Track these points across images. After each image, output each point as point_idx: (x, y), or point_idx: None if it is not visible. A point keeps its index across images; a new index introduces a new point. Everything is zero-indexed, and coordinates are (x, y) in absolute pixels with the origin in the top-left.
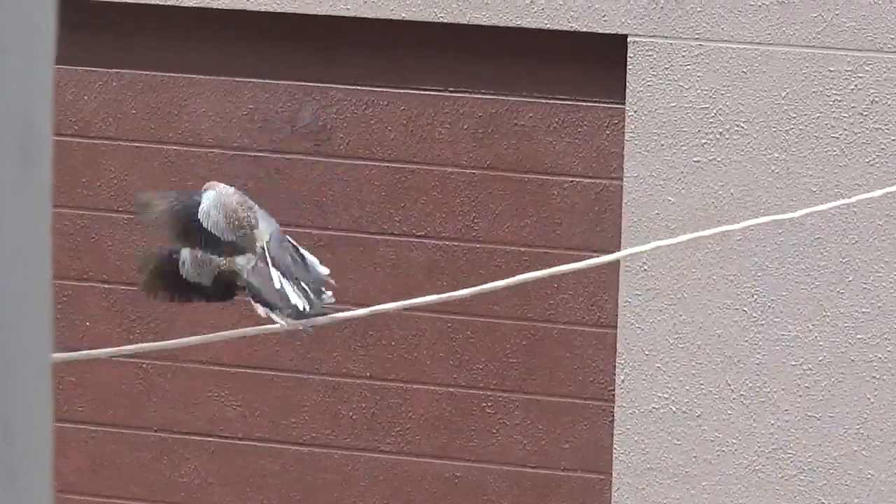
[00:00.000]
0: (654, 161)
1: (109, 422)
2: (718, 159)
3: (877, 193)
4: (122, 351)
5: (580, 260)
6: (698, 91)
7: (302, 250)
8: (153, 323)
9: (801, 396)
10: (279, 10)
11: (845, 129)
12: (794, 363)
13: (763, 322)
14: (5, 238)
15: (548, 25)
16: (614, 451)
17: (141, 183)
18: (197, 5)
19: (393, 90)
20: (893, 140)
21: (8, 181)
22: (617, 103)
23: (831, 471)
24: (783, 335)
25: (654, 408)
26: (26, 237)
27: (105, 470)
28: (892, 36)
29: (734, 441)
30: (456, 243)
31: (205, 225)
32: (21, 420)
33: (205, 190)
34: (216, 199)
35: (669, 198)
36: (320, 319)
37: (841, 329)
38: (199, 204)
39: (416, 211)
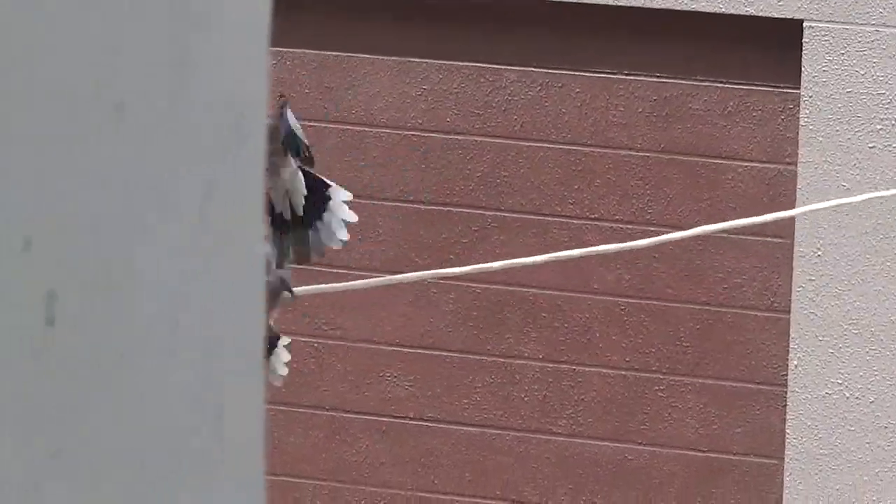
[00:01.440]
0: (829, 146)
1: (282, 401)
2: (894, 145)
3: None
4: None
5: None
6: (874, 77)
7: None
8: (322, 298)
9: None
10: None
11: None
12: None
13: None
14: (217, 219)
15: (724, 9)
16: (787, 435)
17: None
18: None
19: (568, 72)
20: None
21: (221, 164)
22: (792, 88)
23: None
24: None
25: (827, 393)
26: (238, 218)
27: (277, 449)
28: None
29: None
30: (630, 226)
31: None
32: (233, 400)
33: None
34: None
35: (844, 183)
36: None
37: None
38: None
39: (589, 194)
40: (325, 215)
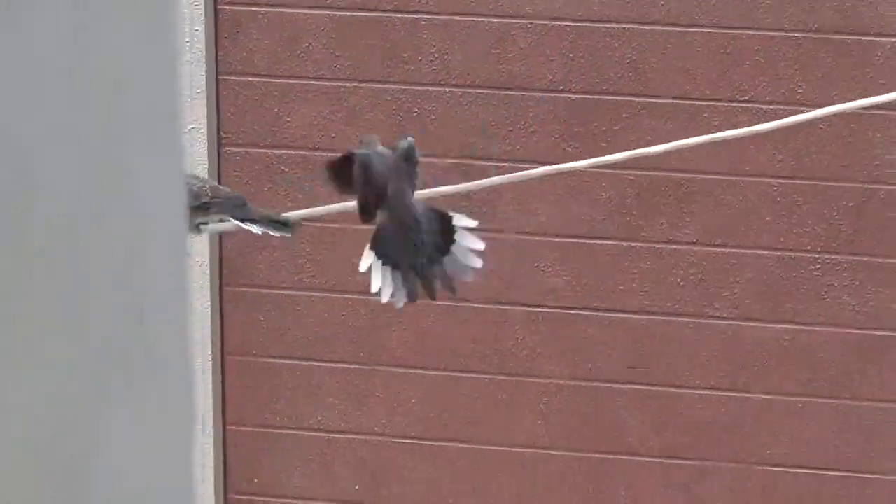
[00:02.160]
0: None
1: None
2: None
3: None
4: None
5: None
6: None
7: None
8: (476, 195)
9: None
10: None
11: None
12: None
13: None
14: (132, 117)
15: None
16: None
17: (462, 57)
18: None
19: None
20: None
21: (131, 52)
22: None
23: None
24: None
25: None
26: (154, 104)
27: (433, 344)
28: None
29: None
30: (781, 107)
31: None
32: (155, 302)
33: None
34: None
35: None
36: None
37: None
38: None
39: (739, 76)
40: (453, 248)
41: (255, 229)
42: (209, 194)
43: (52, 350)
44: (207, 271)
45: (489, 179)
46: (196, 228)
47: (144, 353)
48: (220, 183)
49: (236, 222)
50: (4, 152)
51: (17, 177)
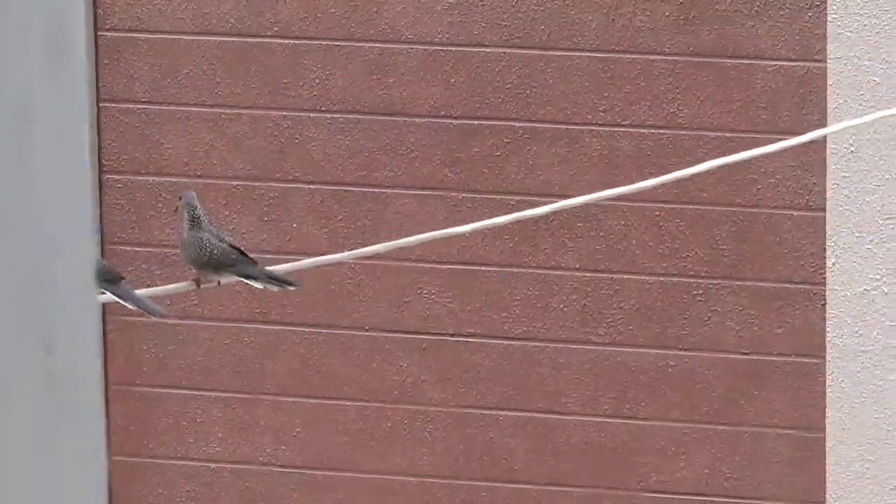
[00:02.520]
0: (858, 42)
1: (320, 322)
2: None
3: None
4: (326, 260)
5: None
6: None
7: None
8: (359, 223)
9: None
10: None
11: None
12: None
13: None
14: (39, 145)
15: None
16: (827, 334)
17: (343, 83)
18: None
19: None
20: None
21: (36, 80)
22: None
23: None
24: None
25: (865, 290)
26: (61, 141)
27: (317, 371)
28: None
29: None
30: (662, 131)
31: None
32: (64, 332)
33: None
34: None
35: (874, 78)
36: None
37: None
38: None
39: (620, 100)
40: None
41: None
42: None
43: None
44: None
45: (372, 248)
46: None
47: (51, 384)
48: (101, 210)
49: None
50: None
51: None
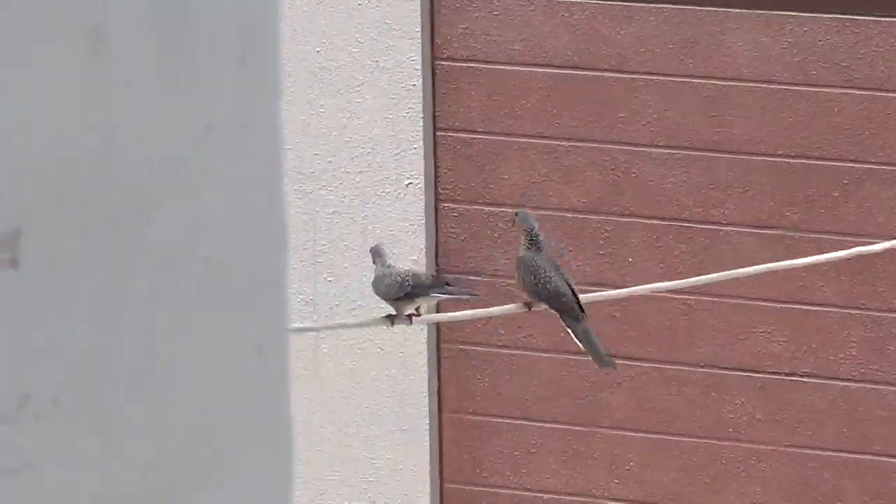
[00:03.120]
0: None
1: (654, 358)
2: None
3: None
4: (659, 287)
5: None
6: None
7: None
8: (696, 259)
9: None
10: None
11: None
12: None
13: None
14: (229, 154)
15: None
16: None
17: (680, 118)
18: None
19: None
20: None
21: (225, 85)
22: None
23: None
24: None
25: None
26: (249, 153)
27: (651, 407)
28: None
29: None
30: None
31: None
32: (274, 336)
33: None
34: None
35: None
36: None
37: None
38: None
39: None
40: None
41: (464, 298)
42: (410, 283)
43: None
44: (425, 328)
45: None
46: (407, 319)
47: (257, 387)
48: (437, 239)
49: (446, 297)
50: (120, 190)
51: (130, 203)
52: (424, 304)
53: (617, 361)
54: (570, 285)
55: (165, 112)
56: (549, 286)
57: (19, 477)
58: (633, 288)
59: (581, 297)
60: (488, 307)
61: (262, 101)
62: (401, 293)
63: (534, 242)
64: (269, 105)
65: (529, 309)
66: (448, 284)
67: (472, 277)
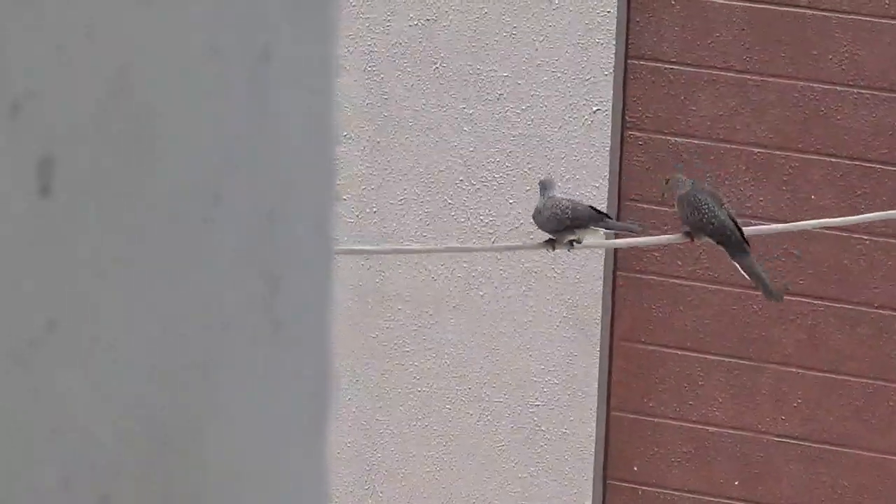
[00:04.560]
0: None
1: (829, 296)
2: None
3: None
4: (820, 223)
5: None
6: None
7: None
8: (878, 200)
9: None
10: None
11: None
12: None
13: None
14: (277, 87)
15: None
16: None
17: (873, 59)
18: None
19: None
20: None
21: (280, 23)
22: None
23: None
24: None
25: None
26: (305, 87)
27: (822, 345)
28: None
29: None
30: None
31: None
32: (293, 272)
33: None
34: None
35: None
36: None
37: None
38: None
39: None
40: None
41: (610, 230)
42: (570, 215)
43: (166, 308)
44: (602, 255)
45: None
46: (569, 244)
47: (273, 327)
48: (620, 167)
49: (602, 230)
50: (133, 117)
51: (146, 142)
52: (586, 235)
53: (790, 298)
54: (733, 219)
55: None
56: (713, 221)
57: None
58: (801, 223)
59: (749, 230)
60: (649, 237)
61: (315, 32)
62: (560, 227)
63: (689, 184)
64: (323, 37)
65: (692, 240)
66: (609, 218)
67: (653, 208)
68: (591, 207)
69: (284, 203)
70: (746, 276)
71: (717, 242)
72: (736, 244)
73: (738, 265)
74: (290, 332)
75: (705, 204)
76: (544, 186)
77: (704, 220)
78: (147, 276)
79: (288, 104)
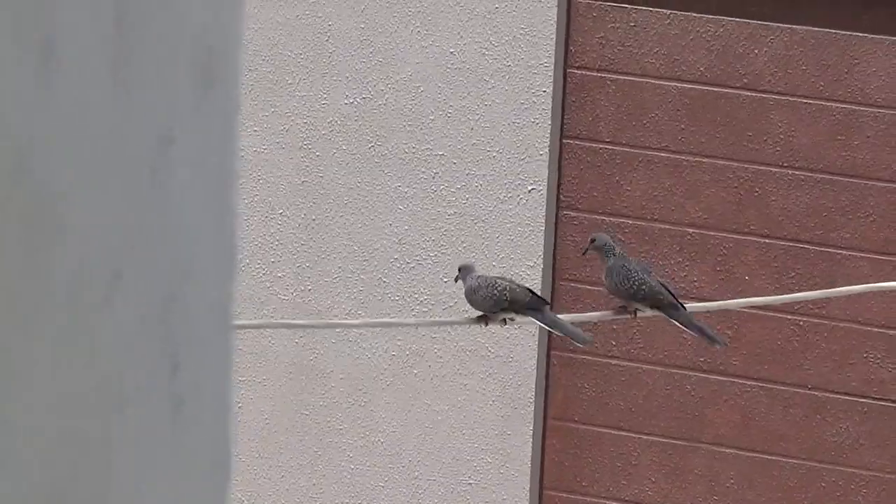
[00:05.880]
0: None
1: (762, 377)
2: None
3: None
4: (755, 301)
5: None
6: None
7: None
8: (811, 281)
9: None
10: None
11: None
12: None
13: None
14: (183, 170)
15: None
16: None
17: (808, 140)
18: None
19: None
20: None
21: (181, 105)
22: None
23: None
24: None
25: None
26: (205, 168)
27: (756, 425)
28: None
29: None
30: None
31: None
32: (192, 350)
33: None
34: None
35: None
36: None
37: None
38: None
39: None
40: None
41: (556, 332)
42: (508, 297)
43: (65, 386)
44: (536, 334)
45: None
46: (503, 321)
47: (174, 405)
48: (555, 246)
49: (538, 323)
50: (34, 196)
51: (47, 222)
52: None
53: (724, 378)
54: (662, 284)
55: (110, 121)
56: (643, 287)
57: None
58: (736, 300)
59: (689, 305)
60: (591, 313)
61: (217, 116)
62: (496, 308)
63: (615, 254)
64: (226, 120)
65: (634, 314)
66: (547, 304)
67: (587, 287)
68: (529, 290)
69: (184, 283)
70: (688, 331)
71: (651, 307)
72: (670, 305)
73: (677, 322)
74: (190, 410)
75: (634, 272)
76: (467, 270)
77: (635, 286)
78: (46, 355)
79: (189, 187)
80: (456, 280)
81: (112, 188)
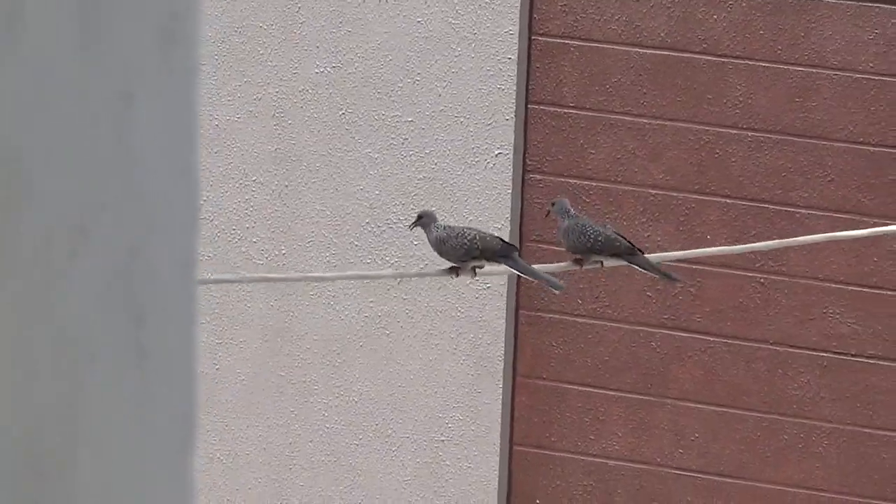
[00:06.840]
0: None
1: (725, 333)
2: None
3: None
4: (720, 251)
5: None
6: None
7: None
8: (771, 238)
9: None
10: None
11: None
12: None
13: None
14: (145, 127)
15: None
16: None
17: (766, 103)
18: None
19: None
20: None
21: (147, 64)
22: None
23: None
24: None
25: None
26: (167, 125)
27: (719, 380)
28: None
29: None
30: None
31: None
32: (156, 303)
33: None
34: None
35: None
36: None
37: None
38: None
39: None
40: None
41: (528, 277)
42: (479, 245)
43: (32, 341)
44: (504, 294)
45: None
46: (473, 271)
47: (139, 356)
48: (522, 208)
49: (509, 269)
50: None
51: (12, 178)
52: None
53: (688, 335)
54: (618, 233)
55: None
56: (600, 238)
57: None
58: (693, 251)
59: (648, 256)
60: (540, 264)
61: (178, 73)
62: (467, 257)
63: (570, 216)
64: (186, 79)
65: (581, 266)
66: (516, 250)
67: (553, 248)
68: (498, 238)
69: (148, 237)
70: (647, 272)
71: (611, 255)
72: (626, 250)
73: (636, 266)
74: (155, 362)
75: (589, 226)
76: (429, 218)
77: (591, 239)
78: (12, 308)
79: (152, 143)
80: (412, 226)
81: (76, 145)
